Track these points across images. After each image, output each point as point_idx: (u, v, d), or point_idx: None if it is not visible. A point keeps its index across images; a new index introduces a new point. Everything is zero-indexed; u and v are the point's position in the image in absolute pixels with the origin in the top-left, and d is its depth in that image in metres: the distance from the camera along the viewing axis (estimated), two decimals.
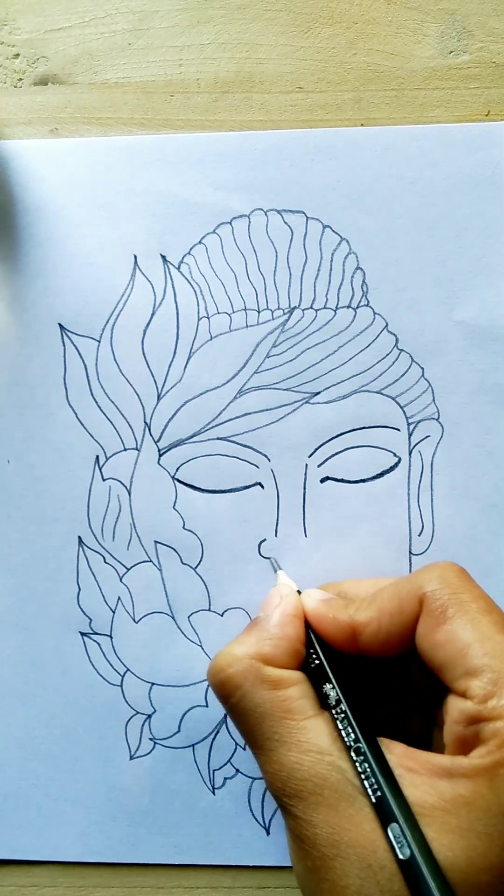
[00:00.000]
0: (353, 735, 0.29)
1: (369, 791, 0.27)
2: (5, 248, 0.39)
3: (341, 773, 0.28)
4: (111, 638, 0.39)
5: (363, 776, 0.28)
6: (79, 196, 0.39)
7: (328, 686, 0.31)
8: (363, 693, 0.31)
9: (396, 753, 0.28)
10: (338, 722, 0.29)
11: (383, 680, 0.34)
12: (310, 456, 0.38)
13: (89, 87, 0.39)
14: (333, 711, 0.30)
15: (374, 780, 0.27)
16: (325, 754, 0.28)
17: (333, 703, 0.30)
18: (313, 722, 0.29)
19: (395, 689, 0.34)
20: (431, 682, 0.30)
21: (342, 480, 0.38)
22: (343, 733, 0.29)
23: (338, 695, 0.30)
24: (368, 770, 0.28)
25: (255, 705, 0.30)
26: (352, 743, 0.29)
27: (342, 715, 0.30)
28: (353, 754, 0.28)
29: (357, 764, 0.28)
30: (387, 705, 0.34)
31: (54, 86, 0.40)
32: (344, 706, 0.30)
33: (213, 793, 0.38)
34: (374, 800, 0.27)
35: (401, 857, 0.26)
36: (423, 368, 0.38)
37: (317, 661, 0.32)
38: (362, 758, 0.28)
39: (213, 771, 0.39)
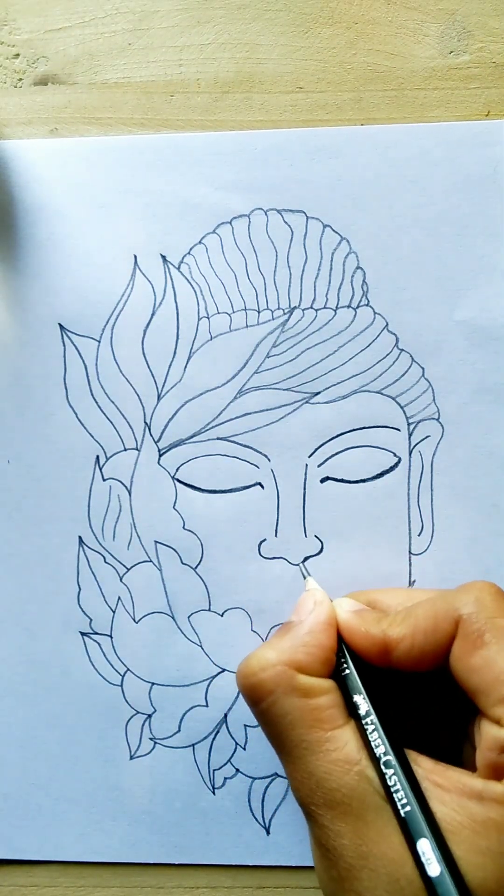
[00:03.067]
0: (382, 747, 0.28)
1: (399, 805, 0.27)
2: (5, 248, 0.39)
3: (369, 784, 0.28)
4: (111, 638, 0.39)
5: (392, 789, 0.27)
6: (79, 196, 0.39)
7: (358, 697, 0.30)
8: (393, 704, 0.31)
9: (425, 768, 0.28)
10: (367, 733, 0.29)
11: (414, 691, 0.33)
12: (310, 456, 0.38)
13: (89, 87, 0.39)
14: (363, 722, 0.30)
15: (403, 794, 0.27)
16: (353, 764, 0.28)
17: (363, 713, 0.30)
18: (343, 732, 0.29)
19: (426, 701, 0.33)
20: (463, 698, 0.30)
21: (342, 480, 0.38)
22: (372, 745, 0.29)
23: (368, 706, 0.30)
24: (398, 783, 0.27)
25: (285, 712, 0.30)
26: (381, 755, 0.28)
27: (372, 726, 0.29)
28: (382, 766, 0.28)
29: (386, 777, 0.28)
30: (416, 717, 0.33)
31: (54, 86, 0.40)
32: (374, 717, 0.30)
33: (213, 793, 0.38)
34: (403, 814, 0.27)
35: (430, 874, 0.25)
36: (423, 368, 0.38)
37: (347, 671, 0.31)
38: (392, 771, 0.28)
39: (213, 771, 0.39)
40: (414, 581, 0.38)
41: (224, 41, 0.39)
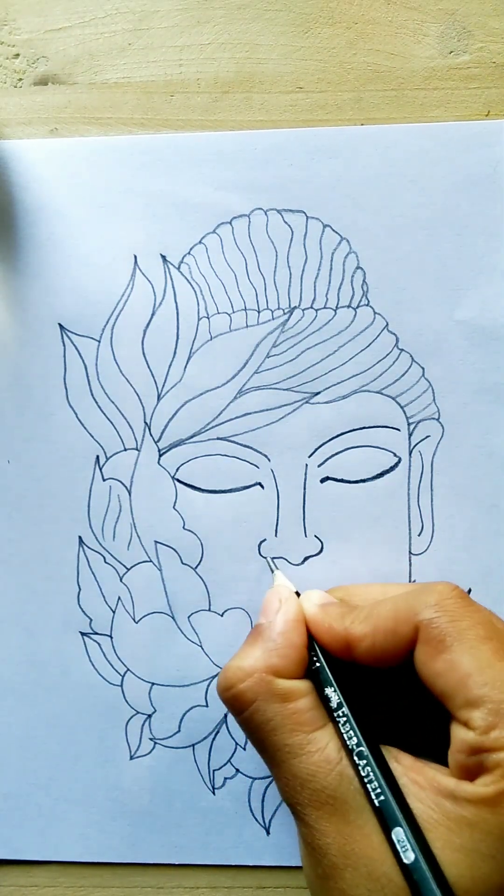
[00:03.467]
0: (354, 739, 0.29)
1: (372, 796, 0.27)
2: (5, 248, 0.39)
3: (350, 783, 0.28)
4: (111, 638, 0.39)
5: (366, 780, 0.28)
6: (79, 196, 0.39)
7: (329, 689, 0.31)
8: (368, 698, 0.31)
9: (404, 764, 0.28)
10: (339, 725, 0.29)
11: (396, 686, 0.33)
12: (310, 456, 0.38)
13: (89, 87, 0.39)
14: (335, 715, 0.30)
15: (376, 785, 0.27)
16: (334, 764, 0.29)
17: (334, 706, 0.30)
18: (322, 733, 0.30)
19: (402, 696, 0.33)
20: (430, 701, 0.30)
21: (342, 480, 0.38)
22: (345, 737, 0.29)
23: (339, 698, 0.30)
24: (370, 774, 0.28)
25: (267, 719, 0.30)
26: (353, 747, 0.29)
27: (343, 718, 0.30)
28: (355, 758, 0.28)
29: (359, 768, 0.28)
30: (401, 712, 0.33)
31: (54, 86, 0.40)
32: (345, 710, 0.30)
33: (213, 793, 0.38)
34: (377, 804, 0.27)
35: (405, 860, 0.26)
36: (423, 368, 0.38)
37: (318, 664, 0.32)
38: (364, 762, 0.28)
39: (213, 771, 0.39)
40: (414, 581, 0.38)
41: (224, 41, 0.39)
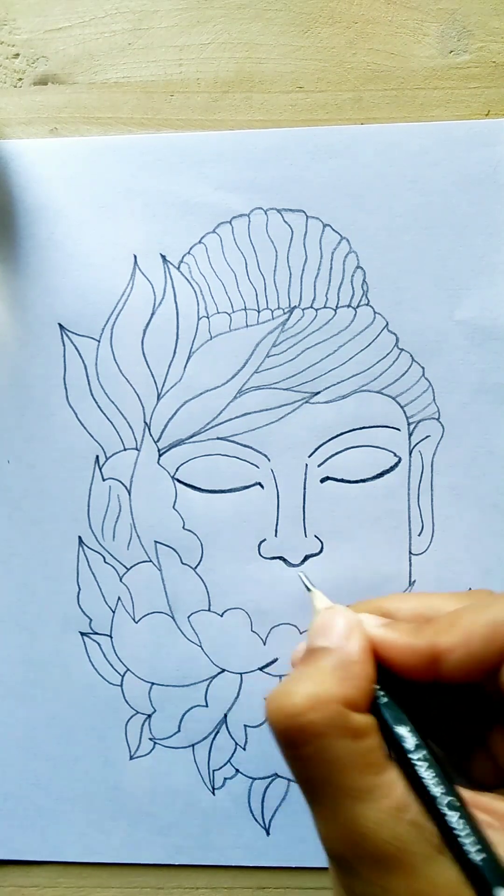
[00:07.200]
0: (441, 787, 0.25)
1: (472, 853, 0.24)
2: (5, 248, 0.39)
3: (421, 833, 0.25)
4: (111, 638, 0.39)
5: (461, 836, 0.24)
6: (79, 196, 0.39)
7: (402, 728, 0.27)
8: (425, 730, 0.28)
9: (466, 800, 0.26)
10: (420, 771, 0.26)
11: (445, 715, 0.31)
12: (310, 456, 0.38)
13: (89, 87, 0.39)
14: (411, 758, 0.26)
15: (475, 840, 0.24)
16: (404, 811, 0.25)
17: (412, 747, 0.27)
18: (390, 775, 0.26)
19: (428, 711, 0.31)
20: (482, 707, 0.28)
21: (342, 480, 0.38)
22: (430, 784, 0.26)
23: (416, 739, 0.27)
24: (467, 829, 0.24)
25: (336, 757, 0.26)
26: (439, 795, 0.25)
27: (424, 764, 0.26)
28: (445, 809, 0.25)
29: (450, 821, 0.25)
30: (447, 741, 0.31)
31: (54, 86, 0.40)
32: (425, 752, 0.26)
33: (213, 793, 0.38)
34: (479, 861, 0.24)
35: None
36: (423, 368, 0.38)
37: (385, 699, 0.28)
38: (457, 814, 0.25)
39: (213, 771, 0.38)
40: (414, 581, 0.38)
41: (224, 41, 0.39)
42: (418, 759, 0.26)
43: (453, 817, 0.24)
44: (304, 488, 0.38)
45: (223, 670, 0.38)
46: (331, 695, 0.27)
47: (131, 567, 0.39)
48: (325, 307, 0.38)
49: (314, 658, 0.28)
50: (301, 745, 0.26)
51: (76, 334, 0.39)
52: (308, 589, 0.33)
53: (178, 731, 0.39)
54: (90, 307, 0.39)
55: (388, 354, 0.38)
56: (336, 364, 0.38)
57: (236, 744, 0.38)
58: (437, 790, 0.25)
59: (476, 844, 0.24)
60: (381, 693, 0.28)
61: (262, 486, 0.38)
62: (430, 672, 0.28)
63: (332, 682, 0.27)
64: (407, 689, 0.28)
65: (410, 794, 0.25)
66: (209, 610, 0.39)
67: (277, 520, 0.38)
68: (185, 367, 0.38)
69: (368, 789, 0.25)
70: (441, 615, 0.29)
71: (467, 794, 0.26)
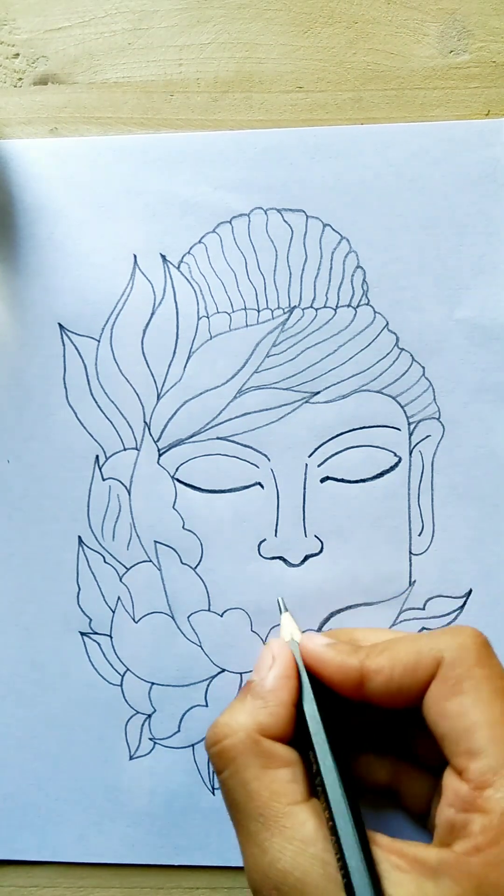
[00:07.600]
0: (350, 826, 0.26)
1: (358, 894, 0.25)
2: (5, 248, 0.39)
3: (324, 868, 0.26)
4: (111, 638, 0.39)
5: (346, 877, 0.25)
6: (79, 196, 0.39)
7: (327, 766, 0.29)
8: (361, 748, 0.30)
9: (381, 845, 0.27)
10: (332, 807, 0.27)
11: (384, 737, 0.33)
12: (310, 456, 0.38)
13: (89, 86, 0.39)
14: (328, 797, 0.28)
15: (364, 882, 0.25)
16: (308, 844, 0.26)
17: (330, 786, 0.28)
18: (301, 808, 0.27)
19: (396, 747, 0.33)
20: (434, 747, 0.29)
21: (342, 480, 0.38)
22: (339, 823, 0.27)
23: (337, 777, 0.28)
24: (358, 875, 0.25)
25: (245, 782, 0.28)
26: (343, 836, 0.26)
27: (342, 802, 0.27)
28: (347, 850, 0.26)
29: (350, 863, 0.25)
30: (385, 764, 0.33)
31: (54, 85, 0.40)
32: (342, 792, 0.27)
33: (213, 793, 0.38)
34: None
35: None
36: (423, 367, 0.38)
37: (316, 726, 0.30)
38: (359, 857, 0.26)
39: (213, 771, 0.38)
40: (414, 581, 0.38)
41: (224, 41, 0.39)
42: (335, 800, 0.27)
43: (350, 861, 0.25)
44: (304, 488, 0.38)
45: (223, 670, 0.38)
46: (239, 723, 0.29)
47: (131, 567, 0.39)
48: (325, 307, 0.38)
49: (242, 691, 0.32)
50: (221, 769, 0.29)
51: (76, 334, 0.39)
52: (280, 611, 0.35)
53: (178, 731, 0.39)
54: (90, 307, 0.39)
55: (388, 354, 0.38)
56: (336, 364, 0.38)
57: None
58: (344, 830, 0.26)
59: (363, 888, 0.25)
60: (314, 721, 0.30)
61: (262, 486, 0.38)
62: (359, 692, 0.30)
63: (246, 710, 0.30)
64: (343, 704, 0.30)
65: (322, 829, 0.27)
66: (209, 610, 0.38)
67: (277, 520, 0.38)
68: (185, 366, 0.38)
69: (275, 817, 0.27)
70: (380, 641, 0.31)
71: (386, 839, 0.27)
